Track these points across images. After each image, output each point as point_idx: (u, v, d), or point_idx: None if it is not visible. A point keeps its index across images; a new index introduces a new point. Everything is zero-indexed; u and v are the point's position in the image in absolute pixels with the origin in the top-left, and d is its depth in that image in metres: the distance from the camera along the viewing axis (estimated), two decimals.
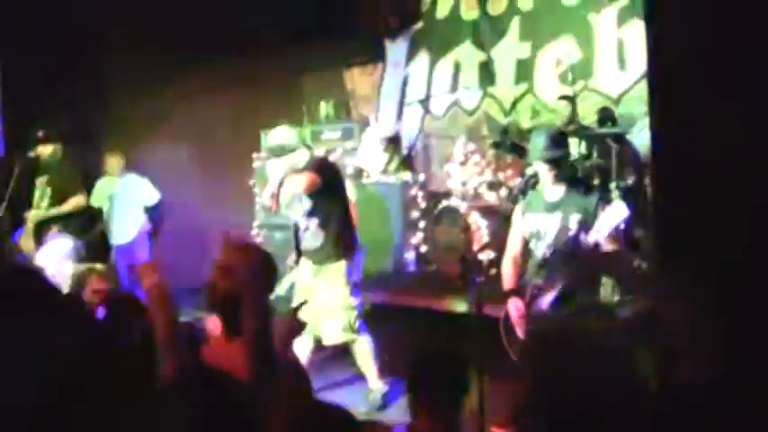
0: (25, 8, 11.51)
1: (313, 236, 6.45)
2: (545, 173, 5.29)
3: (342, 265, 6.38)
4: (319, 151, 8.30)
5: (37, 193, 8.59)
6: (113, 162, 9.48)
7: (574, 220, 5.05)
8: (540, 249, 5.25)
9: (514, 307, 5.24)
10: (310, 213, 6.44)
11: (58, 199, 8.57)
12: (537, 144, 5.40)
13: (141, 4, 10.15)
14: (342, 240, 6.45)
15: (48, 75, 11.52)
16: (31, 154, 8.90)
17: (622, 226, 4.70)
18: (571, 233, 5.02)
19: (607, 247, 4.80)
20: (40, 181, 8.68)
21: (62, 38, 10.90)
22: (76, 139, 10.98)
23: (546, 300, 4.94)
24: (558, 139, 5.53)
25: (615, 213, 4.68)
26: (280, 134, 6.50)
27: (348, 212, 6.72)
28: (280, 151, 6.37)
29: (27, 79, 12.12)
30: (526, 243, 5.45)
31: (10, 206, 8.67)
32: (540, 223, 5.28)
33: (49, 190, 8.59)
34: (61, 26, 10.87)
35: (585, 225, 4.95)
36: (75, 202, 8.63)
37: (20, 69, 12.34)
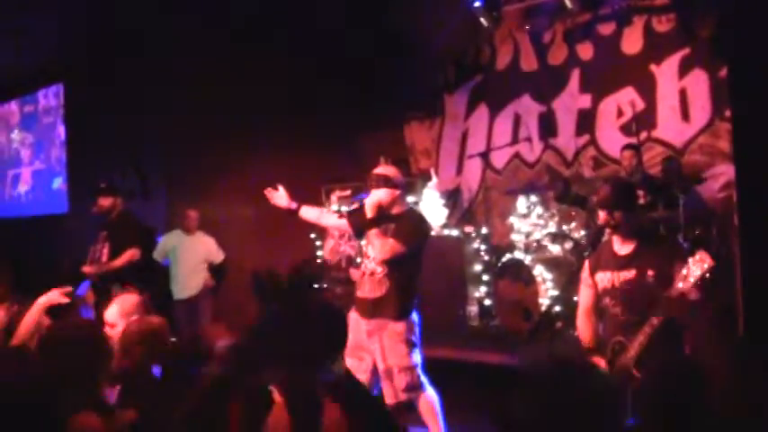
0: (92, 70, 11.78)
1: (378, 284, 6.07)
2: (613, 224, 5.17)
3: (401, 326, 5.94)
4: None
5: (96, 247, 8.67)
6: (191, 217, 9.58)
7: (650, 276, 4.91)
8: (616, 306, 5.11)
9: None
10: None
11: (115, 253, 8.64)
12: (603, 194, 5.29)
13: (205, 65, 10.27)
14: (408, 296, 6.05)
15: (110, 134, 11.73)
16: (94, 209, 9.03)
17: (708, 276, 4.54)
18: (649, 288, 4.88)
19: (692, 297, 4.64)
20: (102, 236, 8.76)
21: (126, 99, 11.10)
22: (137, 195, 11.16)
23: (629, 356, 4.78)
24: (626, 189, 5.42)
25: (700, 264, 4.53)
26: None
27: (420, 268, 6.30)
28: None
29: (91, 139, 12.38)
30: (599, 299, 5.30)
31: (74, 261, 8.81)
32: (614, 280, 5.13)
33: (107, 244, 8.67)
34: (127, 88, 11.08)
35: (662, 279, 4.81)
36: (130, 255, 8.67)
37: (84, 128, 12.62)
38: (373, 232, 6.01)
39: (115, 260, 8.50)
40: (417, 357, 6.08)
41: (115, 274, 8.43)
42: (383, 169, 6.28)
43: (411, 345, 6.01)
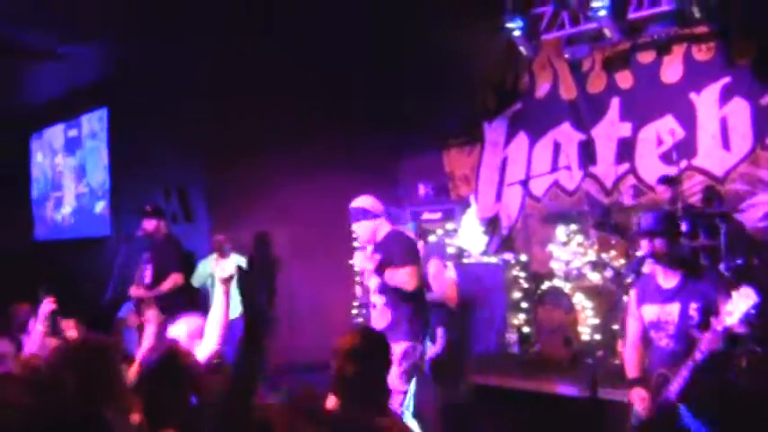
0: (136, 95, 11.96)
1: (380, 315, 6.15)
2: (654, 253, 5.19)
3: (399, 348, 5.88)
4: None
5: (140, 270, 8.79)
6: (219, 242, 9.62)
7: (694, 309, 4.93)
8: (662, 339, 5.12)
9: (638, 397, 5.08)
10: (381, 290, 6.16)
11: (158, 275, 8.76)
12: (644, 223, 5.31)
13: (248, 89, 10.38)
14: (411, 322, 6.06)
15: (153, 159, 11.89)
16: (139, 232, 9.18)
17: (753, 311, 4.55)
18: (694, 322, 4.90)
19: (739, 331, 4.65)
20: (146, 257, 8.89)
21: (169, 123, 11.25)
22: (179, 220, 11.29)
23: (673, 389, 4.80)
24: (667, 218, 5.44)
25: (745, 299, 4.54)
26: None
27: (422, 296, 6.38)
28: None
29: (134, 163, 12.54)
30: (645, 331, 5.32)
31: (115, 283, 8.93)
32: (660, 313, 5.15)
33: (150, 266, 8.79)
34: (169, 112, 11.22)
35: (707, 312, 4.83)
36: (174, 280, 8.80)
37: (127, 152, 12.79)
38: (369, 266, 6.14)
39: (160, 285, 8.61)
40: (409, 386, 6.06)
41: (157, 297, 8.54)
42: (359, 201, 6.33)
43: (406, 370, 5.98)
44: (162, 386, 3.68)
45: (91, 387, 3.26)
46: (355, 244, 9.89)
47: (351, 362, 3.58)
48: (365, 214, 6.21)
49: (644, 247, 5.27)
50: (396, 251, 6.07)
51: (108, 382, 3.40)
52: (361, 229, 6.25)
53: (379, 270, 6.06)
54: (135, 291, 8.74)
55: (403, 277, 5.98)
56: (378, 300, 6.18)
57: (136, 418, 3.70)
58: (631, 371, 5.30)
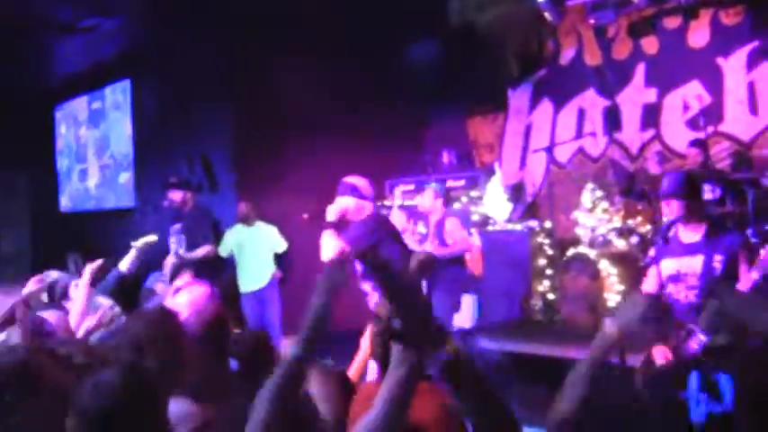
0: (159, 66, 11.98)
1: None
2: (680, 213, 5.14)
3: None
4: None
5: (172, 240, 8.79)
6: (244, 211, 9.62)
7: (718, 260, 4.90)
8: (680, 291, 5.09)
9: (661, 354, 5.06)
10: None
11: (190, 246, 8.77)
12: (666, 185, 5.28)
13: (271, 58, 10.35)
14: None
15: (177, 130, 11.91)
16: (165, 203, 9.21)
17: None
18: (717, 273, 4.86)
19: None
20: (174, 228, 8.88)
21: (192, 94, 11.26)
22: (205, 190, 11.31)
23: (695, 344, 4.78)
24: (689, 179, 5.40)
25: None
26: None
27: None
28: None
29: (157, 134, 12.57)
30: (661, 287, 5.29)
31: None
32: (680, 266, 5.11)
33: (183, 237, 8.78)
34: (192, 82, 11.23)
35: (732, 265, 4.81)
36: (206, 251, 8.82)
37: (151, 123, 12.83)
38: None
39: (192, 253, 8.62)
40: None
41: (186, 265, 8.53)
42: (353, 179, 6.26)
43: None
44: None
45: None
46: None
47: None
48: (354, 191, 6.15)
49: (665, 210, 5.23)
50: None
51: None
52: (346, 202, 6.14)
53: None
54: (168, 260, 8.71)
55: None
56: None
57: None
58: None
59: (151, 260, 9.06)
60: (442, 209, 7.94)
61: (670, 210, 5.16)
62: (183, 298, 4.98)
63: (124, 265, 6.33)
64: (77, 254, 10.88)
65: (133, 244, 6.30)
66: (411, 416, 2.55)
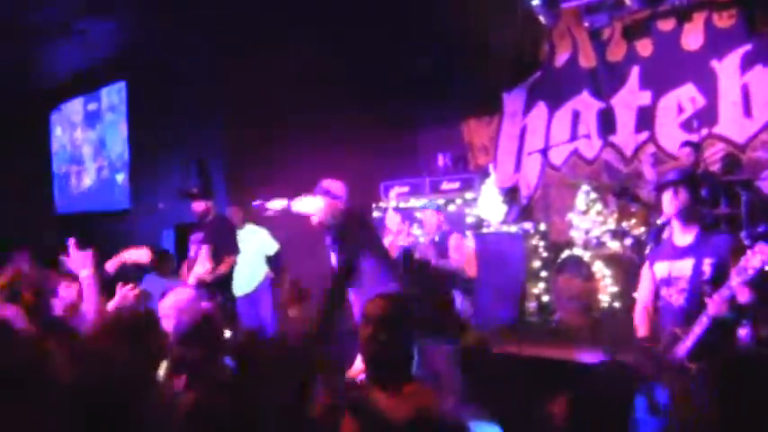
0: (154, 68, 11.98)
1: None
2: (686, 202, 5.12)
3: None
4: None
5: (193, 249, 8.65)
6: (234, 214, 9.61)
7: (708, 264, 4.91)
8: (672, 295, 5.11)
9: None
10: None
11: (216, 257, 8.46)
12: (670, 175, 5.30)
13: (265, 61, 10.37)
14: None
15: (172, 132, 11.92)
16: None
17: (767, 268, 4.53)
18: (706, 277, 4.88)
19: (742, 299, 4.63)
20: (197, 238, 8.69)
21: (187, 96, 11.27)
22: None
23: (683, 348, 4.79)
24: (690, 172, 5.41)
25: (760, 256, 4.52)
26: None
27: None
28: None
29: (152, 136, 12.59)
30: (657, 290, 5.31)
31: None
32: (671, 269, 5.13)
33: (206, 248, 8.48)
34: (187, 85, 11.24)
35: (720, 269, 4.82)
36: (230, 262, 8.54)
37: (146, 125, 12.84)
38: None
39: (219, 267, 8.38)
40: None
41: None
42: (327, 182, 6.41)
43: None
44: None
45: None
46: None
47: (383, 328, 3.61)
48: (326, 193, 6.25)
49: (669, 200, 5.20)
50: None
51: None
52: (316, 202, 6.24)
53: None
54: (194, 275, 8.43)
55: None
56: None
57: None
58: (642, 330, 5.30)
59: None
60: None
61: (676, 198, 5.12)
62: (170, 300, 5.02)
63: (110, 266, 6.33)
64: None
65: (126, 256, 6.26)
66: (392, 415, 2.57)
